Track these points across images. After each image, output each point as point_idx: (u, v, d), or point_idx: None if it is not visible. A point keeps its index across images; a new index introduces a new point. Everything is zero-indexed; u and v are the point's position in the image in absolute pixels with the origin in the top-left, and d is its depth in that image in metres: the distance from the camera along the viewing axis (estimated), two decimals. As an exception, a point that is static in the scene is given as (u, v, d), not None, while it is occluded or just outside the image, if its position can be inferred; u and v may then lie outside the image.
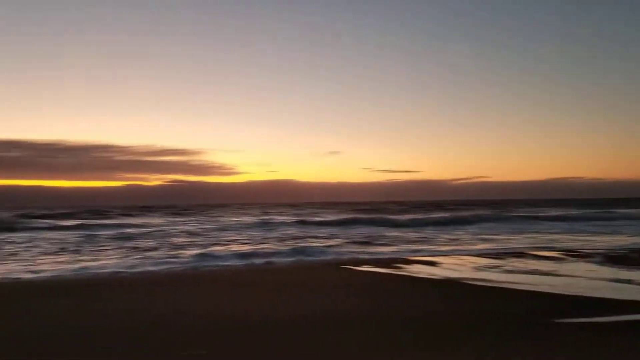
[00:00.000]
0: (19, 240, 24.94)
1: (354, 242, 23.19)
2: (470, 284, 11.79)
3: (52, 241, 24.19)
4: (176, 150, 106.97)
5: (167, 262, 16.24)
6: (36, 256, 18.41)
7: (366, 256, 17.92)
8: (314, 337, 7.00)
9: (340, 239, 24.68)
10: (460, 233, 28.61)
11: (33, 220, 38.80)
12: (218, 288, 11.57)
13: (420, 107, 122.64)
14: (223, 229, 32.69)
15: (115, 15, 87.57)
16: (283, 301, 9.76)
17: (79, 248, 21.23)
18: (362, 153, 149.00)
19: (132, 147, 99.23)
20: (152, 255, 18.24)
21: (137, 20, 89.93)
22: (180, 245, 22.02)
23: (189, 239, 25.36)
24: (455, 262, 16.05)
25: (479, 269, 14.33)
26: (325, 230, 31.60)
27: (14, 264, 16.21)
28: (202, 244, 22.57)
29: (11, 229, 30.84)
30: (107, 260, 16.82)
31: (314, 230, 31.68)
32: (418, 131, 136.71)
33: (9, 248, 21.35)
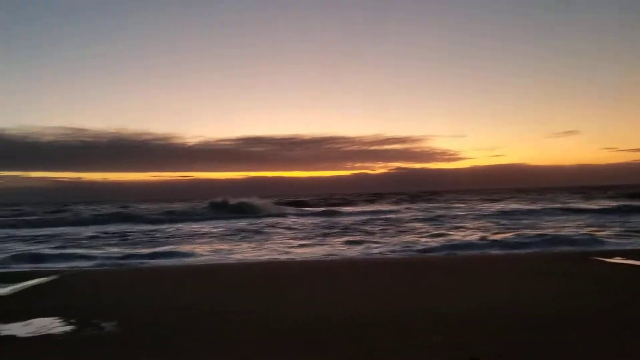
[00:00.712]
0: (292, 225, 28.34)
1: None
2: None
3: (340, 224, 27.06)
4: (399, 138, 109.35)
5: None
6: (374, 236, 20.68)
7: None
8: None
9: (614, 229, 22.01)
10: None
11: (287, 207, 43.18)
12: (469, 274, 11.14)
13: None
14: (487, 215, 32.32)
15: (333, 15, 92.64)
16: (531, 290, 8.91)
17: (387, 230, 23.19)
18: (604, 131, 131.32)
19: (359, 137, 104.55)
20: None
21: (356, 20, 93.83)
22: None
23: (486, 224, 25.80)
24: None
25: None
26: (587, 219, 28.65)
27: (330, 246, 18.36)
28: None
29: (281, 214, 34.92)
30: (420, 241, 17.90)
31: (575, 217, 29.05)
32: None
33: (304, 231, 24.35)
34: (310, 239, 21.09)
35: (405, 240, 19.46)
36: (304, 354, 5.67)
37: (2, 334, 6.91)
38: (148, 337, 6.62)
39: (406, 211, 39.51)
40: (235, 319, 7.45)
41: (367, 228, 25.45)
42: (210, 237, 23.19)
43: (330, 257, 15.45)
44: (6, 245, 21.68)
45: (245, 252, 17.34)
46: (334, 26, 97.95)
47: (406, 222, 28.61)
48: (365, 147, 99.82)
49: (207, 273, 12.69)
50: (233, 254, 16.84)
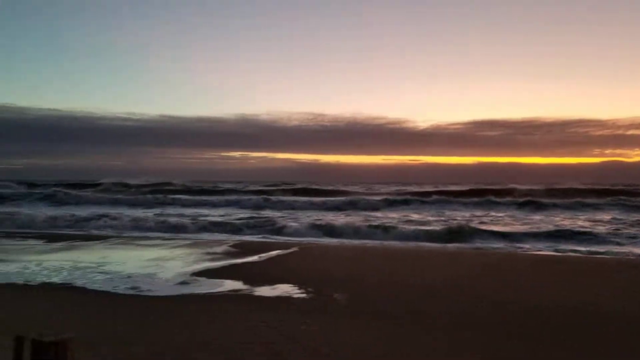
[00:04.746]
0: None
1: None
2: None
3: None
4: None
5: None
6: None
7: None
8: None
9: None
10: None
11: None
12: None
13: None
14: None
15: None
16: None
17: None
18: None
19: (613, 120, 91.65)
20: None
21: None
22: None
23: None
24: None
25: None
26: None
27: None
28: None
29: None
30: None
31: None
32: None
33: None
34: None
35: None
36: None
37: (254, 294, 8.20)
38: (371, 308, 7.13)
39: None
40: (465, 300, 7.50)
41: None
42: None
43: None
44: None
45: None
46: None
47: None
48: (619, 132, 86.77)
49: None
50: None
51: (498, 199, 31.73)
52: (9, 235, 16.10)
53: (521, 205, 29.64)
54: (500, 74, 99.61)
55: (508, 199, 31.90)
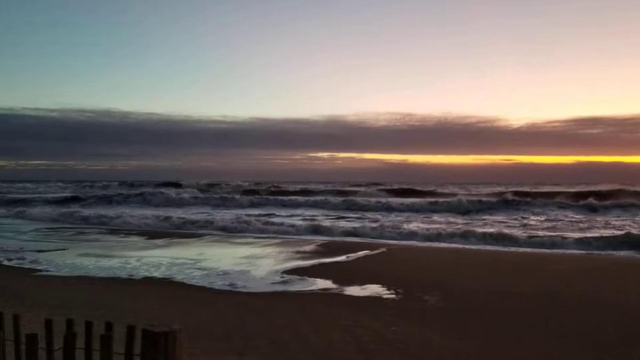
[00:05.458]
0: None
1: None
2: None
3: None
4: None
5: None
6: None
7: None
8: None
9: None
10: None
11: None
12: None
13: None
14: None
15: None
16: None
17: None
18: None
19: None
20: None
21: None
22: None
23: None
24: None
25: None
26: None
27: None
28: None
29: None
30: None
31: None
32: None
33: None
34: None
35: None
36: None
37: (345, 293, 8.19)
38: (463, 311, 6.85)
39: None
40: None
41: None
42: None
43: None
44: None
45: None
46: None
47: None
48: None
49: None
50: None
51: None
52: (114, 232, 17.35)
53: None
54: (599, 63, 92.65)
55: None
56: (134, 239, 15.68)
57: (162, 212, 25.52)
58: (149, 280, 9.25)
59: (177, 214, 23.78)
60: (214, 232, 17.93)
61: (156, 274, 9.84)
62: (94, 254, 12.13)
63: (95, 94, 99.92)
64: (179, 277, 9.45)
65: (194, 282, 9.07)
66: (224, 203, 32.86)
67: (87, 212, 24.03)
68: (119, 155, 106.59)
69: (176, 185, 49.11)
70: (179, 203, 33.05)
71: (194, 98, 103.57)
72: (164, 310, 7.01)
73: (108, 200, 34.67)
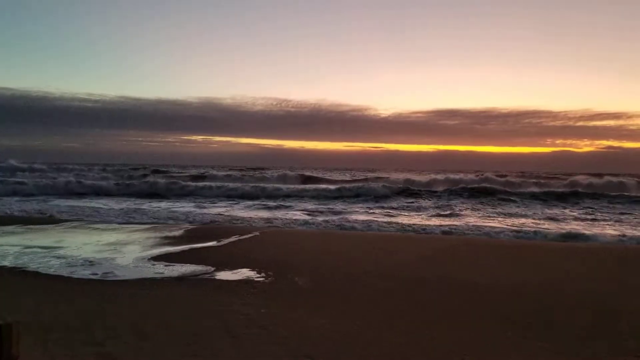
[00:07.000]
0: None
1: None
2: None
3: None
4: (612, 113, 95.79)
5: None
6: None
7: None
8: None
9: None
10: None
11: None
12: None
13: None
14: None
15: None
16: None
17: None
18: None
19: (564, 112, 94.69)
20: None
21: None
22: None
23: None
24: None
25: None
26: None
27: None
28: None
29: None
30: None
31: None
32: None
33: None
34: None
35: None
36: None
37: (216, 277, 8.12)
38: (332, 291, 7.17)
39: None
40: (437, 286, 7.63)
41: None
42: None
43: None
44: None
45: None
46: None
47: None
48: (570, 123, 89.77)
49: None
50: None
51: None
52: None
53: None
54: (461, 63, 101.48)
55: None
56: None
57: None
58: (-2, 270, 8.38)
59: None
60: (74, 218, 16.67)
61: (5, 263, 8.94)
62: None
63: None
64: (32, 266, 8.68)
65: (51, 271, 8.39)
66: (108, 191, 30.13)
67: None
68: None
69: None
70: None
71: (56, 74, 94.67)
72: (13, 302, 6.42)
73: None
